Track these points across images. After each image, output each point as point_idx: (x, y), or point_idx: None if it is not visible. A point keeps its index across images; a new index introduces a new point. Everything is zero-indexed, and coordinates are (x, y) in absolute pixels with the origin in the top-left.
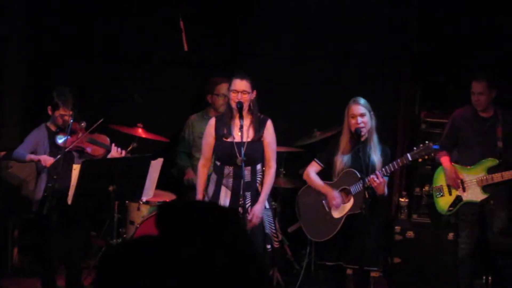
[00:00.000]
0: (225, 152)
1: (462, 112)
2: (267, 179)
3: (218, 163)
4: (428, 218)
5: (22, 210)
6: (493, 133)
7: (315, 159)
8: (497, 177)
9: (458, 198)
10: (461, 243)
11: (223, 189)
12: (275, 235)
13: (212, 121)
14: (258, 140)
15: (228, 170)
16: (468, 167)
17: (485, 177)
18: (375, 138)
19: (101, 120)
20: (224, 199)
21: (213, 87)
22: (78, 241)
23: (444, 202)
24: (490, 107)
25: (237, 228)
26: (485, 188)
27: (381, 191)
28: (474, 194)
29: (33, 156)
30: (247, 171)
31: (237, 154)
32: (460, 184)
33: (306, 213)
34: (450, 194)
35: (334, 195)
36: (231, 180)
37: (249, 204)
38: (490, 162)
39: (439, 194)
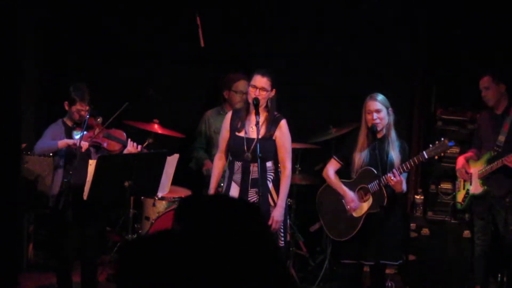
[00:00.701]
0: (235, 147)
1: (483, 112)
2: (283, 181)
3: (231, 158)
4: (443, 215)
5: (37, 206)
6: (499, 128)
7: (334, 157)
8: (488, 168)
9: (467, 192)
10: (476, 239)
11: (233, 184)
12: (281, 233)
13: (229, 114)
14: (268, 138)
15: (238, 165)
16: (474, 160)
17: (482, 169)
18: (393, 134)
19: (126, 104)
20: (233, 194)
21: (231, 83)
22: (94, 236)
23: (459, 196)
24: (503, 102)
25: (257, 223)
26: (484, 181)
27: (399, 189)
28: (476, 187)
29: (67, 140)
30: (255, 168)
31: (246, 150)
32: (467, 176)
33: (327, 212)
34: (464, 188)
35: (351, 197)
36: (239, 175)
37: (255, 200)
38: (488, 155)
39: (458, 189)
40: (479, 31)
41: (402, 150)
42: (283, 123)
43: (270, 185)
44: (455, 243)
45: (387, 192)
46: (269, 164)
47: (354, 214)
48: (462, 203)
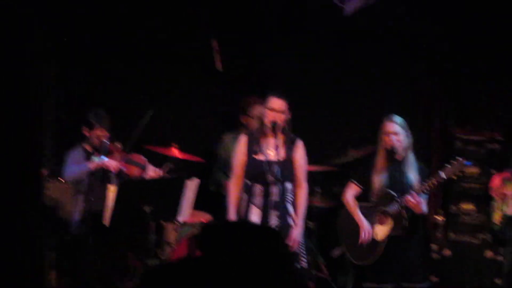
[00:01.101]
0: (255, 170)
1: None
2: (301, 201)
3: (248, 182)
4: (465, 236)
5: (59, 232)
6: None
7: (353, 181)
8: None
9: (504, 212)
10: (503, 259)
11: (253, 208)
12: (303, 254)
13: (244, 138)
14: (288, 160)
15: (258, 188)
16: (510, 181)
17: None
18: (411, 156)
19: (150, 112)
20: (254, 218)
21: (247, 108)
22: (115, 262)
23: (496, 217)
24: None
25: (279, 249)
26: None
27: (419, 211)
28: (510, 207)
29: (98, 162)
30: (276, 190)
31: (268, 172)
32: (504, 196)
33: (348, 237)
34: (501, 209)
35: (365, 229)
36: (260, 198)
37: (277, 223)
38: None
39: (494, 209)
40: (497, 49)
41: (420, 171)
42: (300, 143)
43: (290, 206)
44: (477, 263)
45: (407, 214)
46: (289, 185)
47: (377, 237)
48: (499, 224)
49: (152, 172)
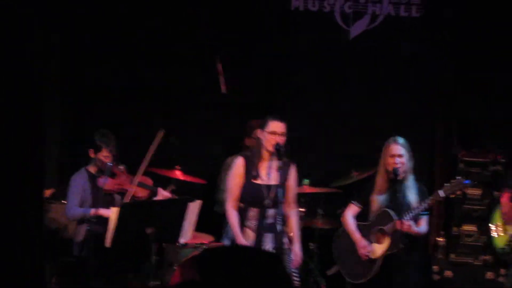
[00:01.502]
0: (253, 194)
1: None
2: (296, 222)
3: (242, 205)
4: (466, 257)
5: (60, 255)
6: None
7: (352, 202)
8: None
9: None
10: (505, 281)
11: (246, 231)
12: (296, 274)
13: (241, 161)
14: (284, 183)
15: (253, 212)
16: None
17: None
18: (411, 177)
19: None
20: (248, 240)
21: (251, 130)
22: (117, 284)
23: (500, 240)
24: None
25: (278, 273)
26: None
27: (413, 232)
28: None
29: (102, 211)
30: (270, 213)
31: (266, 196)
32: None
33: (344, 255)
34: (505, 232)
35: (363, 244)
36: (255, 222)
37: (271, 245)
38: None
39: (495, 232)
40: (503, 72)
41: (420, 192)
42: (294, 166)
43: (282, 228)
44: (478, 284)
45: (404, 233)
46: (280, 207)
47: (372, 256)
48: (505, 247)
49: (161, 196)
